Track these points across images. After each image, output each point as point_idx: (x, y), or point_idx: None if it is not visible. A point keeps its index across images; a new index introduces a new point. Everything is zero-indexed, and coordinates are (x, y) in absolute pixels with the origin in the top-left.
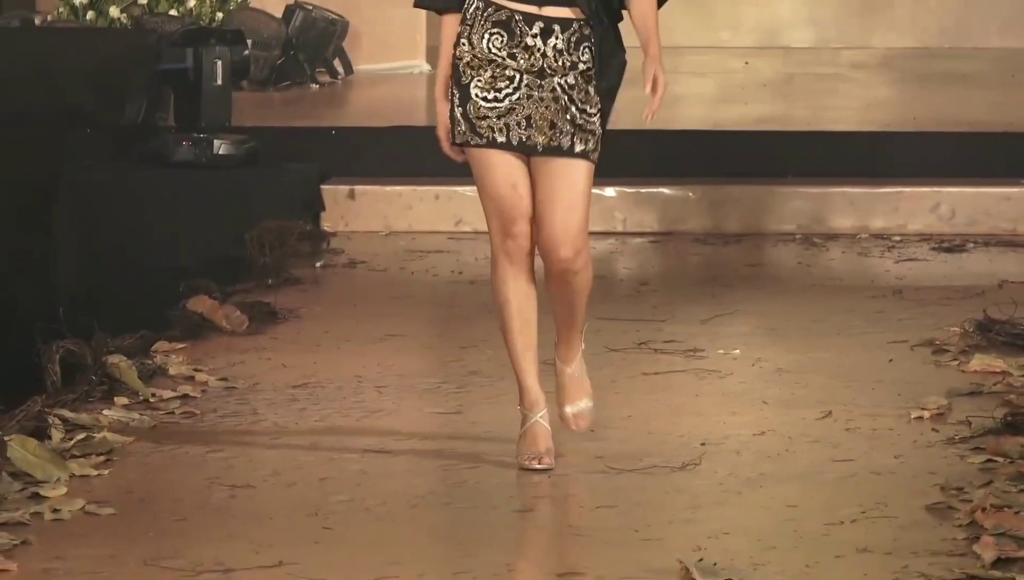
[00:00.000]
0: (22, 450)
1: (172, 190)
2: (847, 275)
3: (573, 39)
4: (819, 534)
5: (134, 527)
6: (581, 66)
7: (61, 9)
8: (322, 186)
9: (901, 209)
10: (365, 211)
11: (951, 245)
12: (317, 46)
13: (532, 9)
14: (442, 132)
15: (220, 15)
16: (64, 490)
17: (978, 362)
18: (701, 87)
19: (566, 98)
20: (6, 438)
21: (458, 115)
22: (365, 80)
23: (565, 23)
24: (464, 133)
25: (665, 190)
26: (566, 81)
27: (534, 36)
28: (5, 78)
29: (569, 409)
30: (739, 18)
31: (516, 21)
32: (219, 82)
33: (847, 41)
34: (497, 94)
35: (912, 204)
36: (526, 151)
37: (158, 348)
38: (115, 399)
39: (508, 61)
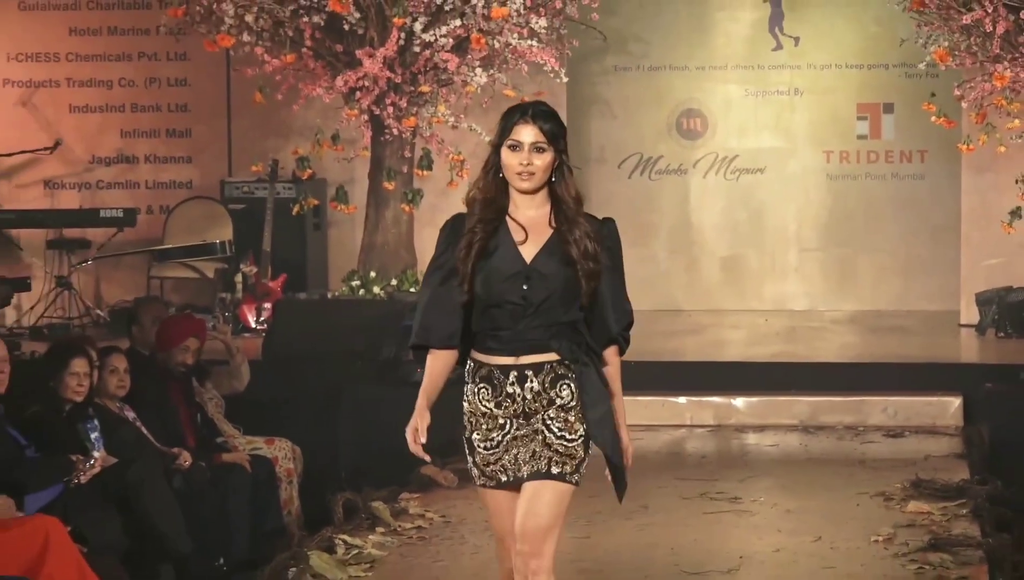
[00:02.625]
0: (319, 560)
1: (412, 402)
2: (830, 452)
3: (548, 379)
4: None
5: None
6: (559, 401)
7: (344, 288)
8: None
9: (863, 410)
10: None
11: (895, 433)
12: None
13: (509, 361)
14: (410, 430)
15: None
16: None
17: (913, 506)
18: (737, 335)
19: (545, 429)
20: (309, 552)
21: (471, 464)
22: None
23: (537, 367)
24: (479, 478)
25: (716, 399)
26: (547, 415)
27: (512, 384)
28: (310, 331)
29: None
30: (761, 292)
31: (495, 374)
32: None
33: (828, 306)
34: (492, 442)
35: (870, 407)
36: (519, 483)
37: (403, 497)
38: (376, 528)
39: (496, 411)
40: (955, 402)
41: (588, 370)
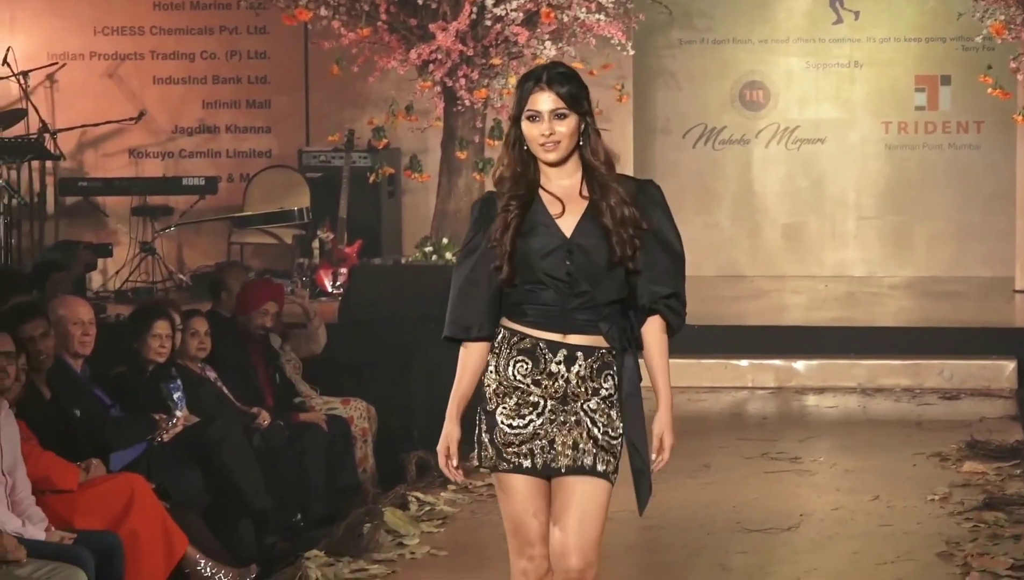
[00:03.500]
0: (392, 516)
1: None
2: (888, 413)
3: (596, 366)
4: (871, 570)
5: (459, 563)
6: (603, 392)
7: (417, 254)
8: None
9: (920, 373)
10: None
11: (951, 395)
12: None
13: (557, 337)
14: (442, 449)
15: None
16: (417, 540)
17: (968, 466)
18: (798, 300)
19: (588, 421)
20: (383, 508)
21: (485, 441)
22: None
23: (588, 350)
24: (491, 459)
25: (777, 362)
26: (588, 406)
27: (558, 363)
28: (385, 295)
29: None
30: (821, 258)
31: (540, 349)
32: None
33: (886, 272)
34: (521, 421)
35: (927, 370)
36: (550, 474)
37: (474, 455)
38: (448, 486)
39: (532, 388)
40: (1009, 366)
41: (628, 358)
